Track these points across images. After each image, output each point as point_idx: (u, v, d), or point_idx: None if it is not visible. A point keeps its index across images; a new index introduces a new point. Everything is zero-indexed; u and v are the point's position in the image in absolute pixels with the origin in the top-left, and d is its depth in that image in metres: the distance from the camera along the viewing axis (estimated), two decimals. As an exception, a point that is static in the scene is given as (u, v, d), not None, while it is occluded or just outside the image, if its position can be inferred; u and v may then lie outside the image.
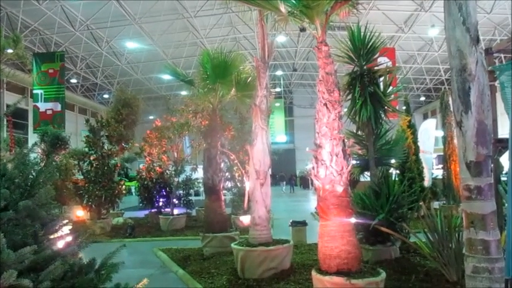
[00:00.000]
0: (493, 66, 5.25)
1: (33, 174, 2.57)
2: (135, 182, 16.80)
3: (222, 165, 9.92)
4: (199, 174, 14.46)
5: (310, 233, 8.83)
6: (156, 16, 23.60)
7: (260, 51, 7.26)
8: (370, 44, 7.24)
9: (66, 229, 2.61)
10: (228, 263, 7.10)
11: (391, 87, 7.97)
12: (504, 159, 5.42)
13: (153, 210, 14.20)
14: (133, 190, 25.39)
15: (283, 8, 5.51)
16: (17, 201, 2.34)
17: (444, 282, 5.24)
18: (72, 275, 2.40)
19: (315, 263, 5.30)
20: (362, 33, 7.22)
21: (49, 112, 19.73)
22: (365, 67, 7.35)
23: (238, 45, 29.42)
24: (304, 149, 31.69)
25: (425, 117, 39.79)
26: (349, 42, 7.38)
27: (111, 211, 13.72)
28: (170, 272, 7.26)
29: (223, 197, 9.01)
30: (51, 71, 19.88)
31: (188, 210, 14.30)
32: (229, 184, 13.68)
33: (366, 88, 7.21)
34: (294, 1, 5.25)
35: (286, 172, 36.67)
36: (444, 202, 13.08)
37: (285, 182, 35.03)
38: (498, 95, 5.12)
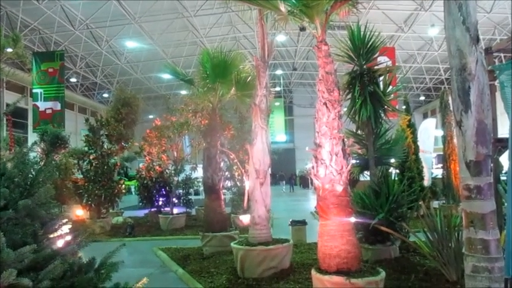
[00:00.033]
0: (492, 66, 5.25)
1: (33, 173, 2.57)
2: (135, 181, 16.81)
3: (222, 164, 9.92)
4: (199, 173, 14.47)
5: (310, 233, 8.83)
6: (156, 15, 23.59)
7: (260, 50, 7.25)
8: (370, 43, 7.24)
9: (65, 228, 2.61)
10: (228, 262, 7.10)
11: (390, 87, 7.97)
12: (504, 159, 5.42)
13: (152, 210, 14.20)
14: (133, 189, 25.40)
15: (283, 7, 5.50)
16: (17, 200, 2.34)
17: (444, 281, 5.24)
18: (72, 274, 2.40)
19: (315, 262, 5.30)
20: (362, 33, 7.21)
21: (49, 111, 19.73)
22: (365, 66, 7.34)
23: (238, 45, 29.42)
24: (304, 148, 31.70)
25: (425, 116, 39.81)
26: (349, 42, 7.37)
27: (110, 210, 13.72)
28: (170, 271, 7.27)
29: (222, 196, 9.01)
30: (50, 70, 19.87)
31: (188, 210, 14.30)
32: (229, 183, 13.68)
33: (366, 87, 7.20)
34: (293, 0, 5.24)
35: (286, 171, 36.69)
36: (444, 201, 13.08)
37: (284, 182, 35.03)
38: (498, 95, 5.12)
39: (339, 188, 4.66)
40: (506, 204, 4.28)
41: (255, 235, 6.57)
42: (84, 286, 2.36)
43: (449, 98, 10.05)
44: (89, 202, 12.41)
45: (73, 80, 33.57)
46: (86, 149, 12.69)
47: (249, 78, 8.56)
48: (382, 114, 7.51)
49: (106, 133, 13.08)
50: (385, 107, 7.47)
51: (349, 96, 7.39)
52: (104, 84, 36.49)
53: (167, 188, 14.02)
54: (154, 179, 14.22)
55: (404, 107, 13.35)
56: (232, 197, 13.55)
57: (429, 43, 29.07)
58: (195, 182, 15.17)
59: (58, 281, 2.28)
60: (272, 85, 32.74)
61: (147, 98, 36.95)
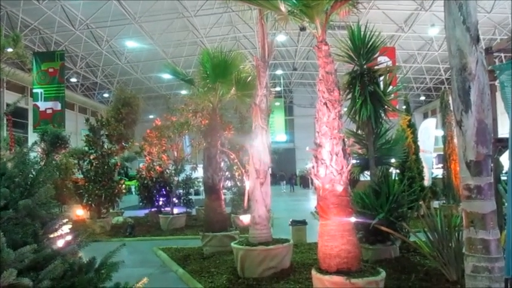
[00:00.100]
0: (493, 66, 5.25)
1: (33, 173, 2.58)
2: (135, 181, 16.80)
3: (222, 164, 9.93)
4: (199, 173, 14.47)
5: (310, 232, 8.83)
6: (156, 15, 23.59)
7: (260, 50, 7.26)
8: (370, 43, 7.24)
9: (66, 228, 2.61)
10: (228, 262, 7.10)
11: (391, 87, 7.98)
12: (504, 159, 5.42)
13: (153, 210, 14.20)
14: (133, 189, 25.39)
15: (283, 7, 5.50)
16: (17, 200, 2.34)
17: (444, 281, 5.24)
18: (72, 274, 2.40)
19: (315, 262, 5.30)
20: (362, 33, 7.21)
21: (49, 111, 19.74)
22: (365, 66, 7.34)
23: (238, 45, 29.42)
24: (304, 148, 31.70)
25: (425, 116, 39.80)
26: (349, 42, 7.38)
27: (111, 210, 13.72)
28: (170, 271, 7.27)
29: (223, 196, 9.02)
30: (51, 70, 19.89)
31: (188, 210, 14.31)
32: (229, 183, 13.68)
33: (366, 87, 7.20)
34: (294, 0, 5.24)
35: (286, 171, 36.68)
36: (444, 201, 13.07)
37: (285, 182, 35.03)
38: (498, 95, 5.11)
39: (339, 188, 4.66)
40: (506, 204, 4.28)
41: (255, 235, 6.57)
42: (85, 286, 2.36)
43: (450, 98, 10.05)
44: (89, 202, 12.42)
45: (73, 80, 33.58)
46: (86, 149, 12.70)
47: (249, 78, 8.56)
48: (383, 114, 7.51)
49: (106, 133, 13.08)
50: (386, 106, 7.47)
51: (350, 96, 7.39)
52: (104, 84, 36.50)
53: (167, 188, 14.02)
54: (154, 179, 14.22)
55: (404, 107, 13.36)
56: (232, 197, 13.55)
57: (429, 43, 29.07)
58: (196, 182, 15.18)
59: (58, 280, 2.29)
60: (272, 85, 32.74)
61: (147, 98, 36.95)
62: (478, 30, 3.60)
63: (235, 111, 13.03)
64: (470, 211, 3.45)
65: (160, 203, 14.24)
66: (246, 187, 8.04)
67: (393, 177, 7.79)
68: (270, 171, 6.88)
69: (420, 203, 6.80)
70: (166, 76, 19.74)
